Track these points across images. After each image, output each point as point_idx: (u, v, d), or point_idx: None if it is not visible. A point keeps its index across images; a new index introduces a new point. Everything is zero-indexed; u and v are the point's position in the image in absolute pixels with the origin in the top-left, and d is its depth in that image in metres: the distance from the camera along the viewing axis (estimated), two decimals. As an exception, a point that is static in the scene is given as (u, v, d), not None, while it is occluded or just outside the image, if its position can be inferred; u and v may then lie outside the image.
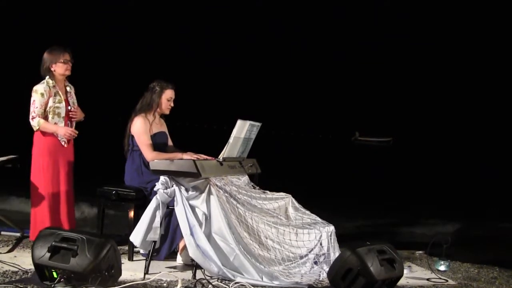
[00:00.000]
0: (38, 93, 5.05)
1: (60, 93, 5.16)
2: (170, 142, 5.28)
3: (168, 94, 5.14)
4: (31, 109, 5.07)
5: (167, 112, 5.20)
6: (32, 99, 5.06)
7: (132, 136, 5.06)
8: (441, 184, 15.31)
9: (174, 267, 4.80)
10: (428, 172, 19.65)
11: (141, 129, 5.01)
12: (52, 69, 5.13)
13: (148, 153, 4.94)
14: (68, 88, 5.26)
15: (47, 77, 5.13)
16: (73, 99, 5.29)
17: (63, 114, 5.15)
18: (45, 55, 5.17)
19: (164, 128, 5.27)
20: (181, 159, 4.73)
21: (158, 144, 5.06)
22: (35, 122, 5.06)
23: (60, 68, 5.15)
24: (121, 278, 4.09)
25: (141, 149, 4.99)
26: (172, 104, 5.18)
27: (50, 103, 5.09)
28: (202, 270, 4.44)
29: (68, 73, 5.21)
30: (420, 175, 18.25)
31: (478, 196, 12.71)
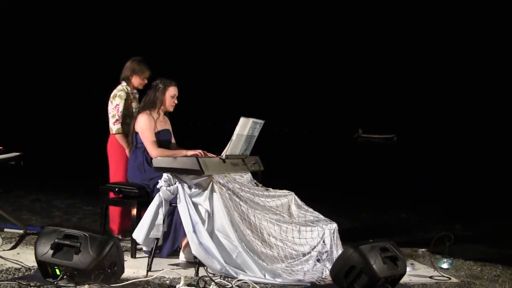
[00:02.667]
0: (122, 99, 5.36)
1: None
2: (173, 140, 5.29)
3: (172, 91, 5.15)
4: (112, 112, 5.35)
5: (171, 109, 5.21)
6: (115, 103, 5.35)
7: (136, 133, 5.07)
8: (444, 182, 15.29)
9: (177, 265, 4.82)
10: (431, 169, 19.61)
11: (145, 125, 5.01)
12: (131, 78, 5.45)
13: (153, 150, 4.95)
14: (137, 95, 5.61)
15: (125, 84, 5.45)
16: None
17: None
18: (131, 64, 5.46)
19: (168, 126, 5.27)
20: (186, 156, 4.74)
21: (161, 141, 5.06)
22: (116, 127, 5.35)
23: (138, 82, 5.49)
24: (124, 275, 4.10)
25: (146, 145, 5.00)
26: (176, 101, 5.20)
27: (134, 106, 5.44)
28: (205, 267, 4.44)
29: (141, 87, 5.53)
30: (423, 172, 18.22)
31: (479, 194, 12.69)
